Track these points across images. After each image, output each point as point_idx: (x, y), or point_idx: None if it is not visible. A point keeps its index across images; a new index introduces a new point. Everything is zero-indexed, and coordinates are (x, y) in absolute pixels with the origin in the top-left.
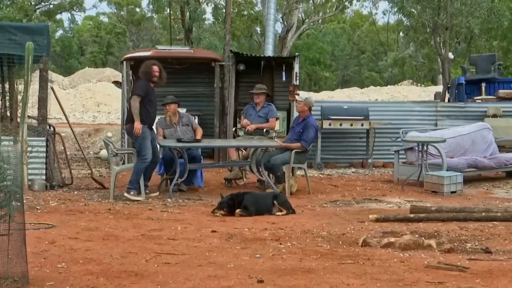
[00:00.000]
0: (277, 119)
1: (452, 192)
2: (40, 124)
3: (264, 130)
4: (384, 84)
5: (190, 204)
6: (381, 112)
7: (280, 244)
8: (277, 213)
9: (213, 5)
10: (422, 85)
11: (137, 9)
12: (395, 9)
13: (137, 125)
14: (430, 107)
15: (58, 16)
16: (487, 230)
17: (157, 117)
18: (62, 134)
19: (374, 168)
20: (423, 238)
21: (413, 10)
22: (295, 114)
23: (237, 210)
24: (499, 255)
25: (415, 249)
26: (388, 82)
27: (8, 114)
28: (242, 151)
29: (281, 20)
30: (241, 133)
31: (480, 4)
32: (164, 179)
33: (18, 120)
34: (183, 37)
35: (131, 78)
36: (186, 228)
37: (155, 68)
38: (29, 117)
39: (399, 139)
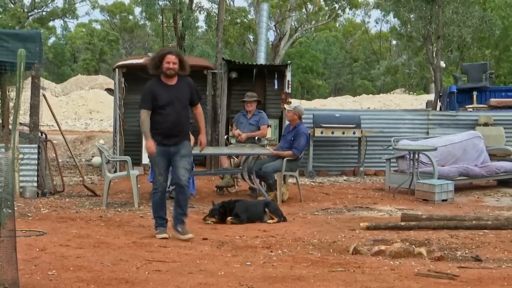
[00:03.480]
0: (268, 126)
1: (443, 200)
2: (31, 131)
3: (256, 138)
4: (377, 92)
5: None
6: (372, 120)
7: (271, 251)
8: (269, 221)
9: (205, 13)
10: (414, 93)
11: (130, 17)
12: (388, 17)
13: (148, 143)
14: (421, 115)
15: (50, 23)
16: (477, 238)
17: None
18: (54, 141)
19: (365, 176)
20: (413, 246)
21: (406, 19)
22: (287, 122)
23: (228, 218)
24: (489, 263)
25: (406, 257)
26: (381, 90)
27: (0, 121)
28: (233, 158)
29: (274, 28)
30: (233, 141)
31: (472, 13)
32: None
33: (10, 127)
34: (176, 45)
35: (123, 85)
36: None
37: (170, 58)
38: (20, 124)
39: (390, 147)
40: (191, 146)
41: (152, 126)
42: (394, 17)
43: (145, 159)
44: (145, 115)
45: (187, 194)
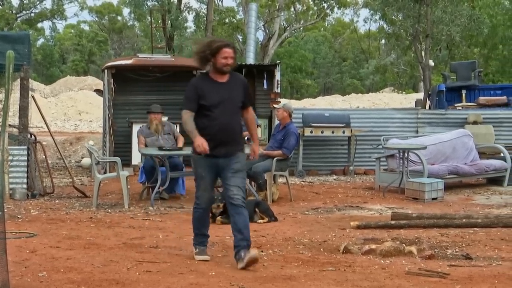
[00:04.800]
0: (258, 126)
1: (433, 199)
2: (21, 132)
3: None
4: (366, 91)
5: (171, 212)
6: (362, 120)
7: (262, 251)
8: (259, 221)
9: (194, 13)
10: (403, 92)
11: (119, 18)
12: (377, 17)
13: (197, 140)
14: (411, 114)
15: (39, 25)
16: (467, 237)
17: (139, 125)
18: (44, 143)
19: (355, 175)
20: (404, 244)
21: (394, 18)
22: (277, 121)
23: (218, 217)
24: (479, 261)
25: (396, 255)
26: (370, 89)
27: None
28: None
29: (262, 28)
30: None
31: (460, 11)
32: (145, 188)
33: None
34: (165, 45)
35: (112, 86)
36: (167, 236)
37: (228, 52)
38: (10, 125)
39: (380, 146)
40: (245, 157)
41: (199, 131)
42: (380, 19)
43: (135, 160)
44: (187, 116)
45: (246, 215)
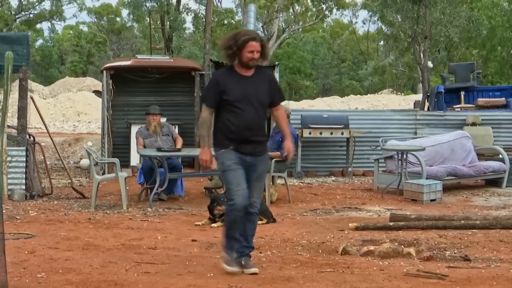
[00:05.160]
0: None
1: (431, 200)
2: (19, 133)
3: None
4: (364, 92)
5: (170, 213)
6: (361, 121)
7: (260, 252)
8: (257, 222)
9: (193, 15)
10: (402, 93)
11: (117, 19)
12: (375, 18)
13: (203, 153)
14: (409, 115)
15: (38, 26)
16: (466, 238)
17: (138, 126)
18: (42, 144)
19: (354, 177)
20: (402, 246)
21: (393, 19)
22: (275, 123)
23: (218, 222)
24: (478, 263)
25: (395, 257)
26: (368, 90)
27: None
28: None
29: (261, 29)
30: None
31: (459, 13)
32: (144, 189)
33: None
34: (163, 46)
35: (111, 87)
36: (166, 237)
37: (254, 45)
38: (8, 126)
39: (378, 148)
40: (269, 160)
41: (221, 128)
42: (378, 20)
43: (134, 161)
44: (206, 114)
45: (256, 223)
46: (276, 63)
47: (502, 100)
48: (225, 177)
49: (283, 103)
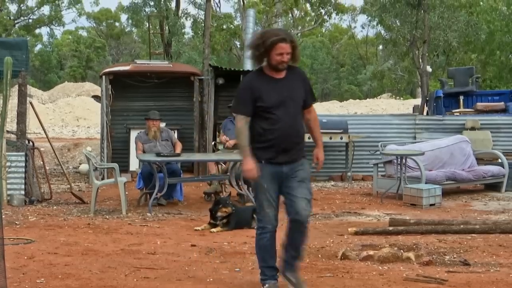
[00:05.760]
0: None
1: (431, 205)
2: (19, 139)
3: None
4: (364, 97)
5: (169, 218)
6: (360, 125)
7: None
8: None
9: (192, 20)
10: (401, 98)
11: (117, 24)
12: (374, 23)
13: (246, 164)
14: (408, 120)
15: (37, 31)
16: (465, 243)
17: (137, 131)
18: (41, 149)
19: (353, 181)
20: (402, 251)
21: (392, 24)
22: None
23: (219, 226)
24: (477, 267)
25: (394, 261)
26: (367, 95)
27: None
28: (221, 165)
29: None
30: (220, 147)
31: (457, 17)
32: (143, 194)
33: None
34: (162, 51)
35: (110, 92)
36: (165, 243)
37: (283, 47)
38: (8, 131)
39: (378, 152)
40: (309, 165)
41: (255, 137)
42: (377, 24)
43: (133, 166)
44: (242, 124)
45: (306, 233)
46: None
47: (501, 104)
48: (256, 197)
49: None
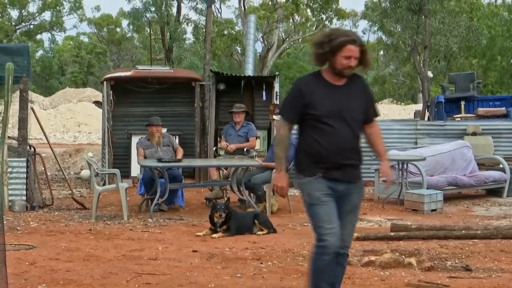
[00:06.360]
0: (257, 138)
1: (432, 210)
2: (20, 144)
3: (245, 149)
4: None
5: (171, 224)
6: None
7: (261, 263)
8: (258, 233)
9: (193, 25)
10: (402, 103)
11: (118, 29)
12: (375, 28)
13: (279, 179)
14: (410, 125)
15: (38, 36)
16: (467, 248)
17: (138, 137)
18: (43, 155)
19: None
20: (403, 256)
21: (393, 29)
22: (276, 132)
23: (219, 232)
24: (479, 273)
25: (396, 267)
26: None
27: None
28: (223, 170)
29: (261, 40)
30: (221, 152)
31: (458, 23)
32: (144, 199)
33: None
34: (164, 57)
35: (111, 98)
36: (167, 248)
37: (352, 50)
38: (9, 137)
39: None
40: (363, 188)
41: (305, 149)
42: (378, 30)
43: (134, 172)
44: (285, 131)
45: (346, 266)
46: (277, 73)
47: (502, 109)
48: (313, 212)
49: None
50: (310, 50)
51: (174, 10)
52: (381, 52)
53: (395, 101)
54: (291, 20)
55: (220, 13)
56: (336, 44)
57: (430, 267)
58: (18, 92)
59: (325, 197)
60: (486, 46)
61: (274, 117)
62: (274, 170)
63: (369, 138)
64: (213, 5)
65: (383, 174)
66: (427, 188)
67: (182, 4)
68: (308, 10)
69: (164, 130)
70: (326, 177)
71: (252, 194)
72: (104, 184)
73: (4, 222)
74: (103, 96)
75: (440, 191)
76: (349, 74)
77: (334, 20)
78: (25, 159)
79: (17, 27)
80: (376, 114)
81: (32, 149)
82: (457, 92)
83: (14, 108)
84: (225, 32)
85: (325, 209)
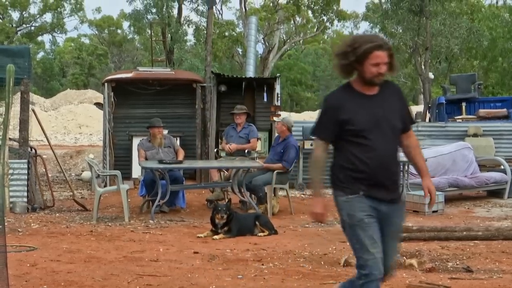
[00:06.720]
0: (258, 139)
1: (433, 212)
2: (21, 146)
3: (246, 151)
4: None
5: (172, 225)
6: None
7: (262, 264)
8: (259, 234)
9: (194, 27)
10: None
11: (119, 31)
12: (376, 29)
13: (316, 205)
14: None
15: (39, 38)
16: (468, 249)
17: (140, 138)
18: (44, 156)
19: None
20: (404, 257)
21: (394, 31)
22: (277, 134)
23: (221, 234)
24: (480, 274)
25: (397, 268)
26: None
27: None
28: (224, 172)
29: (262, 41)
30: (222, 154)
31: (459, 24)
32: (146, 201)
33: None
34: (165, 59)
35: (112, 99)
36: (168, 250)
37: (381, 56)
38: (10, 139)
39: None
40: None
41: (343, 165)
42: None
43: (135, 173)
44: (320, 152)
45: None
46: (278, 74)
47: (504, 111)
48: (354, 234)
49: (286, 115)
50: (334, 62)
51: (175, 11)
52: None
53: None
54: (292, 22)
55: (221, 15)
56: (362, 53)
57: (431, 268)
58: (19, 94)
59: (368, 218)
60: (487, 47)
61: (275, 119)
62: (275, 171)
63: (407, 151)
64: (214, 7)
65: (428, 190)
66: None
67: (183, 6)
68: (309, 12)
69: (165, 132)
70: (368, 195)
71: (253, 196)
72: (105, 186)
73: (5, 224)
74: (104, 98)
75: (441, 193)
76: (381, 81)
77: (335, 22)
78: (26, 160)
79: (18, 29)
80: (412, 121)
81: (33, 150)
82: (458, 94)
83: (15, 109)
84: (226, 33)
85: (368, 231)
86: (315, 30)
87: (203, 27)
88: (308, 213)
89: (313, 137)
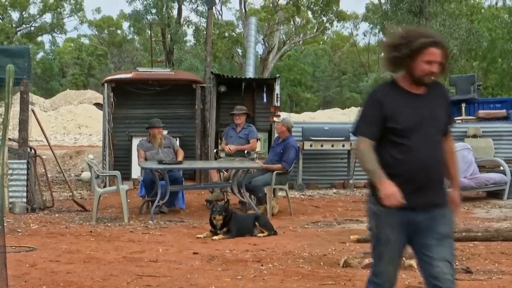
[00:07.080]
0: (258, 140)
1: None
2: (21, 146)
3: (245, 151)
4: None
5: (171, 226)
6: None
7: (262, 265)
8: (259, 235)
9: (194, 27)
10: None
11: (118, 31)
12: (376, 30)
13: (385, 187)
14: None
15: (39, 38)
16: (467, 250)
17: (139, 139)
18: (43, 157)
19: (355, 189)
20: (404, 258)
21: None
22: (276, 135)
23: (220, 234)
24: (479, 275)
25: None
26: None
27: None
28: (223, 172)
29: (262, 42)
30: (222, 154)
31: (459, 25)
32: (145, 201)
33: None
34: (164, 59)
35: (112, 100)
36: (167, 250)
37: (435, 53)
38: (9, 139)
39: None
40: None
41: (383, 169)
42: (379, 32)
43: (135, 174)
44: (366, 147)
45: None
46: (277, 75)
47: (503, 112)
48: (376, 246)
49: (285, 115)
50: (382, 55)
51: (175, 12)
52: (382, 54)
53: None
54: (291, 22)
55: (221, 15)
56: (417, 47)
57: None
58: (18, 94)
59: (394, 235)
60: (487, 48)
61: (275, 119)
62: (274, 172)
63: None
64: (214, 7)
65: (453, 203)
66: None
67: (183, 6)
68: (309, 12)
69: (164, 132)
70: (404, 207)
71: (252, 196)
72: (104, 186)
73: (5, 224)
74: (103, 98)
75: None
76: (431, 81)
77: (335, 22)
78: (25, 161)
79: (17, 29)
80: (451, 123)
81: (33, 151)
82: (458, 94)
83: (15, 110)
84: (226, 34)
85: (391, 250)
86: (314, 30)
87: (203, 28)
88: (381, 197)
89: (357, 137)
